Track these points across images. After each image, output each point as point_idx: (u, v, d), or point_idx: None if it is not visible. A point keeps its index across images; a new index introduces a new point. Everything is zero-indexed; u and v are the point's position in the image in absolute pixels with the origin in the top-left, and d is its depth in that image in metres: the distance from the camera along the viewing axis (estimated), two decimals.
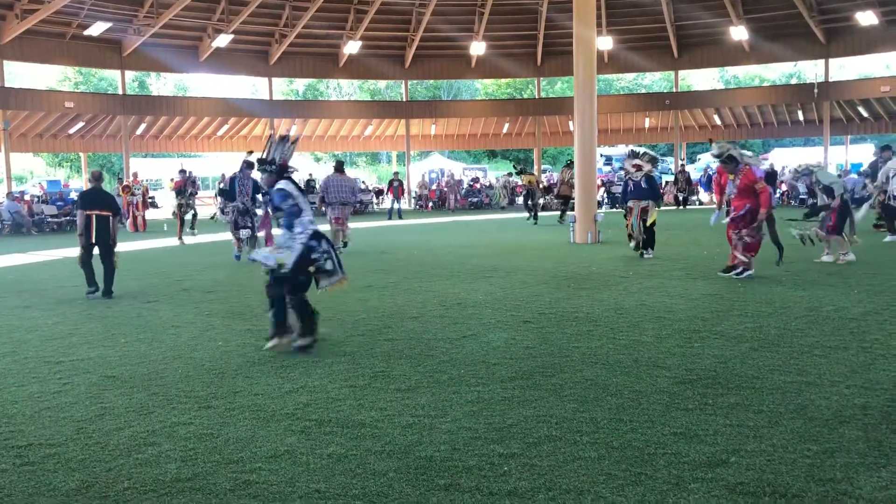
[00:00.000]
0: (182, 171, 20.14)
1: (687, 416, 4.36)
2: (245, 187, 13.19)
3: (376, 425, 4.37)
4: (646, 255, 12.13)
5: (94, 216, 9.77)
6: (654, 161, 12.75)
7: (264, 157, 6.51)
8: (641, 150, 13.27)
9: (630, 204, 12.40)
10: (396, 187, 27.02)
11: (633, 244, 12.40)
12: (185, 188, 18.92)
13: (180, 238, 17.66)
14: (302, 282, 6.27)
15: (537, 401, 4.74)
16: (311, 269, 6.24)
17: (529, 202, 22.95)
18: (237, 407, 4.79)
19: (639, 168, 12.35)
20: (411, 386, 5.14)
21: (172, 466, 3.84)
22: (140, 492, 3.56)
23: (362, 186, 31.79)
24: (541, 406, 4.63)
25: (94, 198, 9.98)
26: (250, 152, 14.28)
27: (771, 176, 29.15)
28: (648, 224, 12.22)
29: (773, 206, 9.74)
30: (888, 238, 13.65)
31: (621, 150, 47.34)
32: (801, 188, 25.38)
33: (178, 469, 3.81)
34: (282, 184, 6.36)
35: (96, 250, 9.82)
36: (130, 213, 22.74)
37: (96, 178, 10.31)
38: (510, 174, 32.41)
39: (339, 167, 15.21)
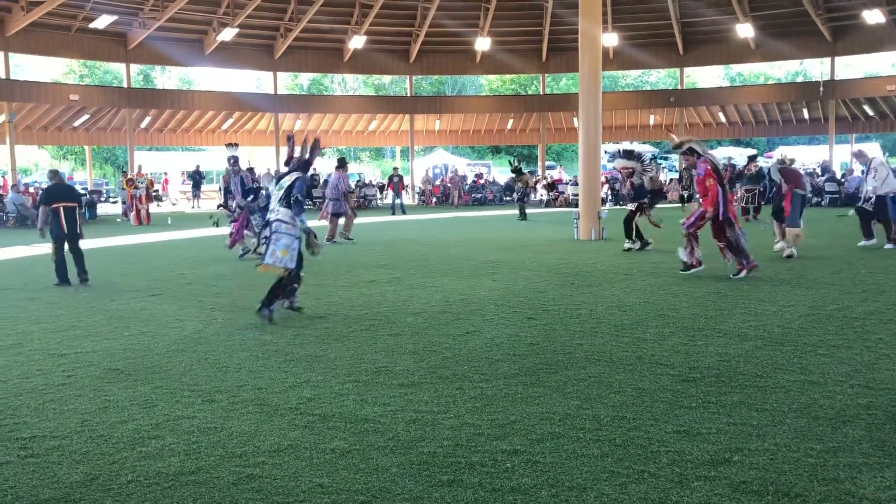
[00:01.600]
0: (249, 170, 20.65)
1: (690, 415, 4.35)
2: (235, 184, 12.66)
3: (379, 420, 4.37)
4: (627, 245, 12.93)
5: (61, 208, 10.15)
6: (639, 158, 13.41)
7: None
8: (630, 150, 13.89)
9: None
10: (396, 182, 26.93)
11: (638, 244, 12.92)
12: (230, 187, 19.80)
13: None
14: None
15: (540, 397, 4.74)
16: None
17: (521, 202, 23.02)
18: (241, 401, 4.80)
19: (626, 169, 13.08)
20: (414, 381, 5.15)
21: (176, 460, 3.85)
22: (143, 485, 3.57)
23: (353, 182, 31.72)
24: (544, 403, 4.63)
25: (59, 191, 10.41)
26: (234, 144, 13.58)
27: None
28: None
29: (720, 207, 9.45)
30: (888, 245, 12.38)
31: (626, 147, 47.33)
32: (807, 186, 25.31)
33: (181, 462, 3.82)
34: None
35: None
36: (134, 207, 22.78)
37: (55, 173, 10.88)
38: (531, 171, 32.97)
39: (339, 164, 15.89)
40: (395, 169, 29.62)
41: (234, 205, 12.61)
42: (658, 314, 7.29)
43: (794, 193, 11.48)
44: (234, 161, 12.60)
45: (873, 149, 45.58)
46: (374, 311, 7.72)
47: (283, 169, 7.58)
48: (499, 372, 5.35)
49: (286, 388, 5.05)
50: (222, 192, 25.74)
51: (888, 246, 12.28)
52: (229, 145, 13.35)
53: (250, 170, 15.30)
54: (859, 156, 13.51)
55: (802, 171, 14.38)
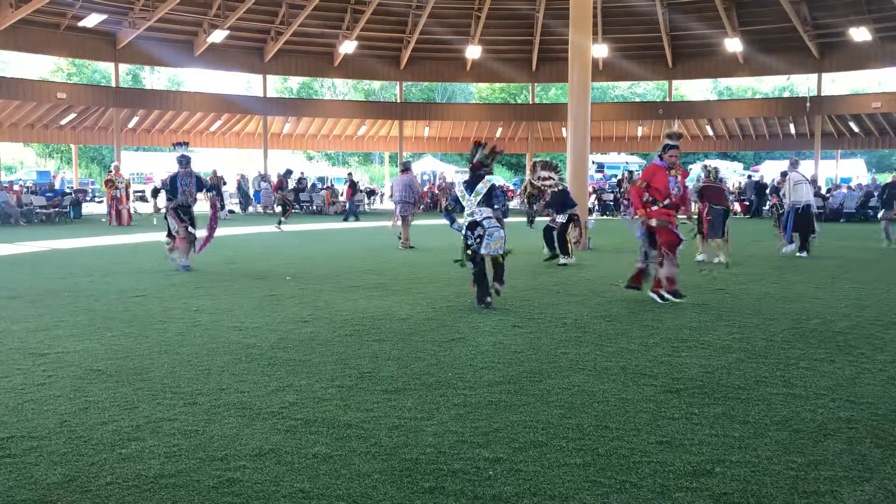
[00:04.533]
0: (288, 171, 22.19)
1: (673, 425, 4.36)
2: (187, 185, 11.49)
3: (362, 426, 4.35)
4: (564, 260, 12.45)
5: None
6: (555, 169, 13.09)
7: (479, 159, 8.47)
8: (548, 161, 13.56)
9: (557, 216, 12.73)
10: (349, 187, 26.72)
11: (550, 255, 12.72)
12: (285, 185, 21.24)
13: (279, 225, 20.09)
14: (473, 262, 8.34)
15: (524, 406, 4.74)
16: (468, 252, 8.28)
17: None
18: (223, 404, 4.76)
19: (549, 179, 12.82)
20: (398, 388, 5.13)
21: (156, 462, 3.82)
22: (123, 487, 3.53)
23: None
24: (527, 411, 4.63)
25: None
26: (184, 143, 12.50)
27: (762, 187, 29.38)
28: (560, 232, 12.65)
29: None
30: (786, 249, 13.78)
31: (614, 157, 47.59)
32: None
33: (161, 465, 3.78)
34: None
35: None
36: (113, 207, 22.64)
37: None
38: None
39: (405, 167, 16.48)
40: (350, 174, 29.53)
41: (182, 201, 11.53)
42: (642, 325, 7.30)
43: (711, 208, 12.52)
44: (186, 162, 11.53)
45: (858, 165, 46.08)
46: (360, 317, 7.70)
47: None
48: (483, 379, 5.34)
49: (269, 392, 5.02)
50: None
51: (797, 252, 13.45)
52: (178, 144, 12.31)
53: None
54: (793, 164, 14.42)
55: (725, 186, 15.24)
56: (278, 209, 21.33)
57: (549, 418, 4.49)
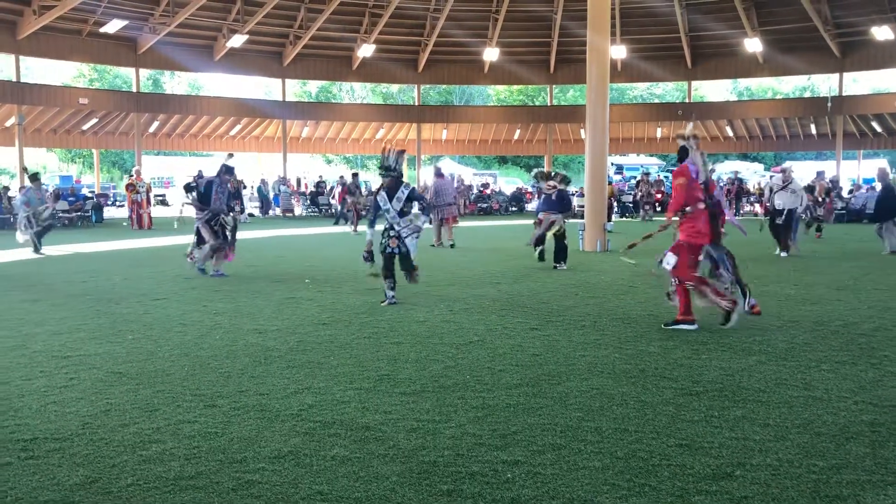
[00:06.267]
0: (354, 175, 23.45)
1: (692, 428, 4.33)
2: (222, 194, 11.40)
3: (381, 429, 4.36)
4: (559, 268, 12.11)
5: None
6: (565, 181, 13.19)
7: (389, 164, 8.58)
8: (553, 171, 13.79)
9: (541, 216, 12.66)
10: (340, 191, 26.60)
11: (536, 253, 12.63)
12: (353, 191, 22.54)
13: (355, 229, 20.69)
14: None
15: (542, 408, 4.73)
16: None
17: None
18: (242, 406, 4.79)
19: (554, 188, 12.74)
20: (416, 390, 5.14)
21: (176, 464, 3.85)
22: (143, 489, 3.56)
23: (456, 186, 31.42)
24: (546, 414, 4.62)
25: None
26: (230, 155, 12.65)
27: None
28: (557, 236, 12.34)
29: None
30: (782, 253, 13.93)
31: (633, 159, 47.39)
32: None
33: (181, 467, 3.81)
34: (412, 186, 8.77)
35: None
36: (135, 211, 22.87)
37: None
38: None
39: (439, 172, 17.07)
40: (342, 177, 29.56)
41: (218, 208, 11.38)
42: (662, 327, 7.26)
43: None
44: (230, 171, 11.68)
45: (881, 165, 45.53)
46: (378, 319, 7.72)
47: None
48: (501, 382, 5.33)
49: (288, 395, 5.04)
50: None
51: (784, 255, 13.78)
52: (231, 155, 12.59)
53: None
54: (784, 171, 14.82)
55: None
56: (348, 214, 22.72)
57: (568, 421, 4.48)
